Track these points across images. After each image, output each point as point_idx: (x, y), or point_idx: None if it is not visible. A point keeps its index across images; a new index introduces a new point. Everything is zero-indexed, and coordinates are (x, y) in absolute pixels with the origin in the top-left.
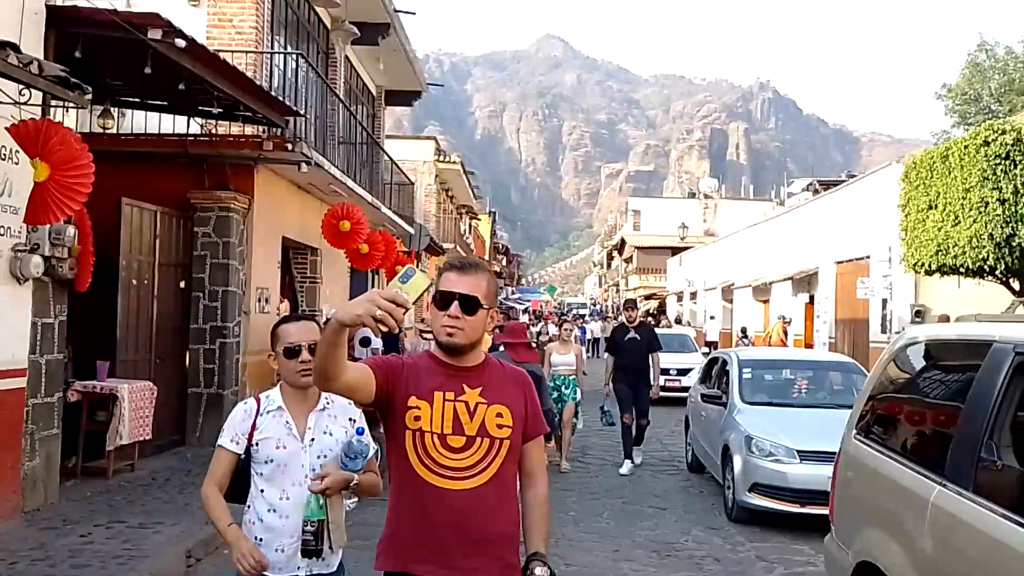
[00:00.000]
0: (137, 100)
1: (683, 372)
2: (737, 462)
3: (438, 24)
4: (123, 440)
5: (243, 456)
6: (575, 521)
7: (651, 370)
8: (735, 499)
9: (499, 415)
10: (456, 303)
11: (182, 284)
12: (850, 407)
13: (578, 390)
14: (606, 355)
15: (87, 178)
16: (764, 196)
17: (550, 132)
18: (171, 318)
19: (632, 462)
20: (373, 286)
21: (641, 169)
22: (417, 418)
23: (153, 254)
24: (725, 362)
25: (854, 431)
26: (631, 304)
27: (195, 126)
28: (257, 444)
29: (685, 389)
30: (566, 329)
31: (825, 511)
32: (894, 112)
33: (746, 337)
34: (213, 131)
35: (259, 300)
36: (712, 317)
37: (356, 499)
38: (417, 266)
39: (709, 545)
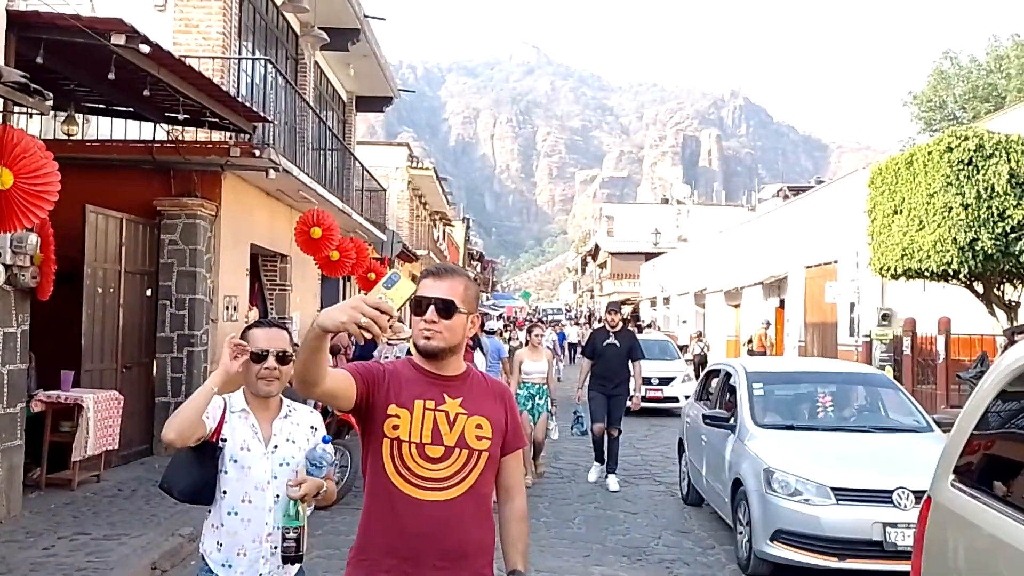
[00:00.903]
0: (102, 106)
1: (665, 381)
2: (754, 502)
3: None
4: (88, 451)
5: (211, 437)
6: (547, 526)
7: (632, 380)
8: (752, 549)
9: (479, 426)
10: (432, 307)
11: (149, 292)
12: (891, 430)
13: (551, 399)
14: (582, 359)
15: (53, 186)
16: (736, 202)
17: (524, 138)
18: (137, 327)
19: (604, 474)
20: (344, 293)
21: (615, 175)
22: (396, 427)
23: (119, 262)
24: (729, 375)
25: (951, 477)
26: (614, 307)
27: (162, 132)
28: (224, 440)
29: (668, 399)
30: (536, 335)
31: (870, 566)
32: (862, 119)
33: (700, 340)
34: (180, 137)
35: (227, 308)
36: (684, 321)
37: (312, 507)
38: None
39: (679, 549)
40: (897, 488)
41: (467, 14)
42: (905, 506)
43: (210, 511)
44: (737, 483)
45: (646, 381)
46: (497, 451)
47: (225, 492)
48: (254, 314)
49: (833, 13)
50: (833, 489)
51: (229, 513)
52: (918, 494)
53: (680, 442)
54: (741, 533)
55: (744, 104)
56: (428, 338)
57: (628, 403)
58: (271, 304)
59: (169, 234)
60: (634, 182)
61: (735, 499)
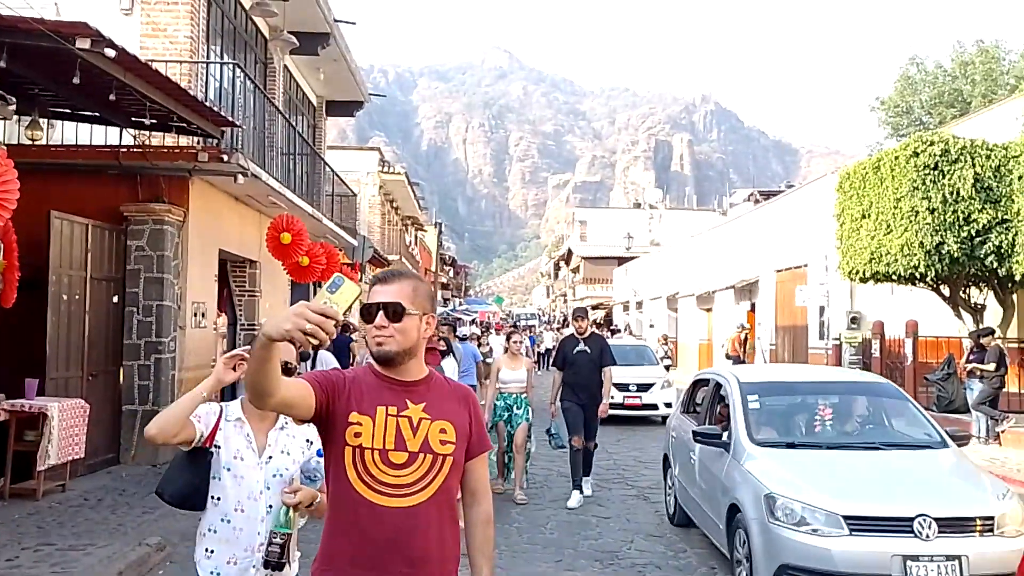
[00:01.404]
0: (67, 111)
1: (644, 387)
2: (754, 533)
3: (382, 34)
4: (53, 460)
5: (205, 443)
6: (519, 532)
7: (603, 387)
8: None
9: (443, 431)
10: (381, 312)
11: (115, 299)
12: (902, 446)
13: (530, 409)
14: (553, 369)
15: (11, 192)
16: (708, 206)
17: (496, 143)
18: (104, 334)
19: (581, 493)
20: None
21: (588, 180)
22: (358, 434)
23: (84, 268)
24: (719, 386)
25: None
26: (581, 313)
27: (128, 137)
28: (218, 446)
29: (647, 406)
30: (515, 341)
31: None
32: (832, 124)
33: (666, 344)
34: (147, 142)
35: (195, 315)
36: (652, 325)
37: (305, 518)
38: (361, 279)
39: (651, 553)
40: (918, 516)
41: (439, 18)
42: (927, 536)
43: (200, 517)
44: (734, 509)
45: (623, 388)
46: (462, 455)
47: (218, 499)
48: (223, 321)
49: (802, 20)
50: (846, 518)
51: (222, 520)
52: (941, 522)
53: (665, 458)
54: (739, 567)
55: (715, 109)
56: (380, 344)
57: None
58: (240, 310)
59: (136, 240)
60: (607, 187)
61: (731, 527)
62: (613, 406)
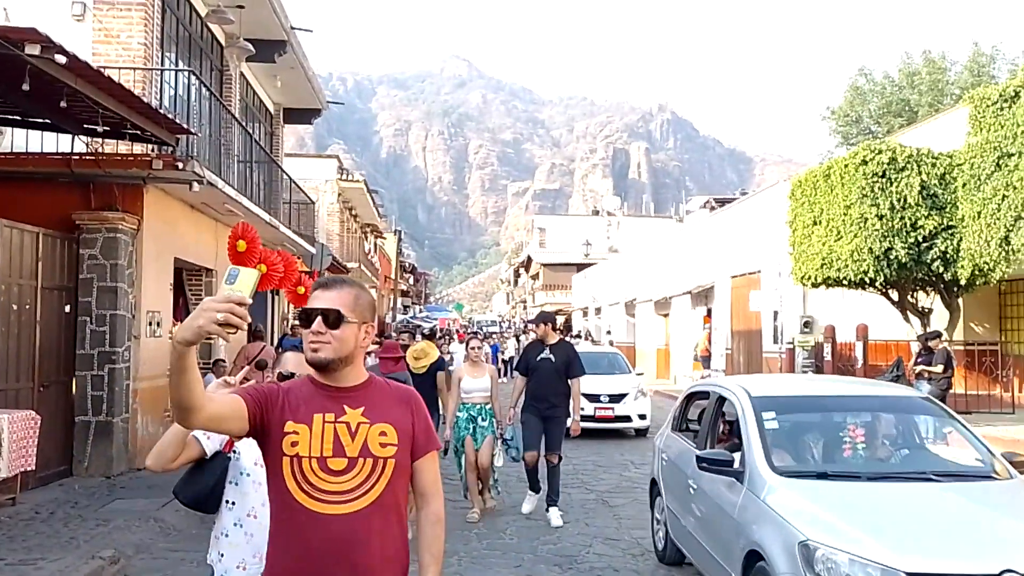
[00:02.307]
0: (17, 117)
1: (616, 398)
2: None
3: (340, 42)
4: (3, 473)
5: (224, 449)
6: (479, 538)
7: (571, 400)
8: None
9: (383, 434)
10: (319, 318)
11: (67, 308)
12: (955, 476)
13: (496, 421)
14: (516, 375)
15: None
16: (664, 213)
17: (456, 151)
18: (55, 344)
19: (537, 493)
20: (273, 307)
21: (547, 187)
22: (294, 443)
23: (35, 278)
24: (722, 400)
25: None
26: (545, 318)
27: (80, 144)
28: (237, 452)
29: (621, 418)
30: (474, 347)
31: None
32: (785, 133)
33: (611, 345)
34: (99, 149)
35: (150, 324)
36: (608, 332)
37: None
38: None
39: (610, 556)
40: (1003, 572)
41: (397, 27)
42: None
43: (215, 520)
44: (753, 556)
45: (593, 399)
46: (406, 457)
47: (233, 503)
48: (178, 329)
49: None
50: (908, 575)
51: (235, 524)
52: None
53: (653, 483)
54: None
55: (671, 118)
56: (316, 350)
57: (568, 424)
58: None
59: (89, 249)
60: (565, 194)
61: None
62: (583, 419)
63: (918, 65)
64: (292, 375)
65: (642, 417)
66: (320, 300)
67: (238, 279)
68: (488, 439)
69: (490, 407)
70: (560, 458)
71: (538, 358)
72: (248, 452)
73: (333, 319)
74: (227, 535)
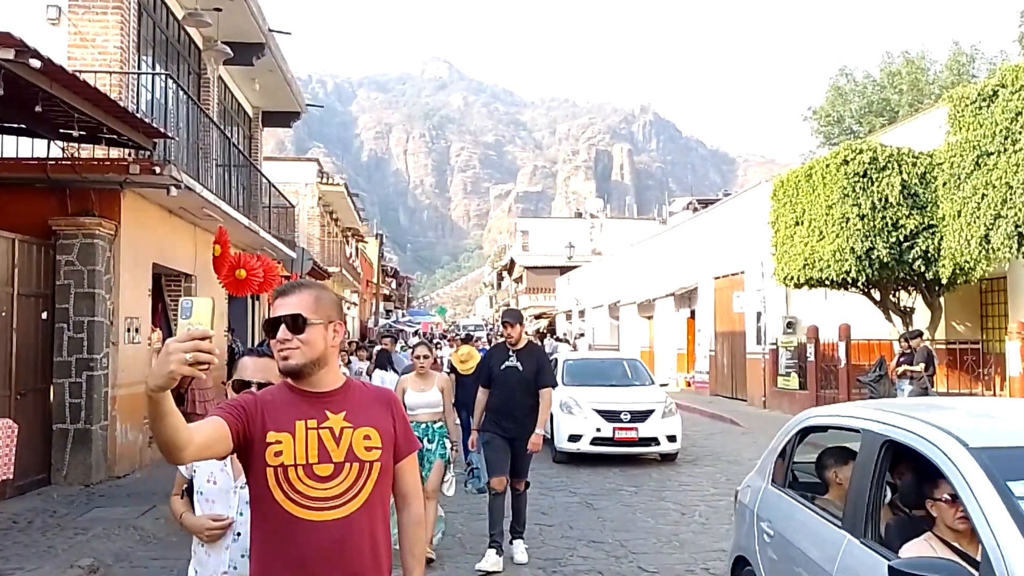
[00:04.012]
0: None
1: (640, 416)
2: None
3: (320, 44)
4: None
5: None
6: (461, 543)
7: (539, 414)
8: None
9: (367, 437)
10: (282, 326)
11: (44, 315)
12: None
13: (447, 442)
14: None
15: None
16: (648, 215)
17: (438, 153)
18: (32, 351)
19: (499, 554)
20: (254, 312)
21: (529, 190)
22: (278, 453)
23: (11, 284)
24: (897, 450)
25: None
26: (512, 317)
27: (56, 149)
28: (195, 469)
29: (645, 441)
30: (419, 356)
31: None
32: (767, 134)
33: (573, 345)
34: (76, 154)
35: (129, 330)
36: (581, 335)
37: None
38: None
39: (594, 559)
40: None
41: (377, 29)
42: None
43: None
44: None
45: (612, 417)
46: (389, 460)
47: None
48: (157, 336)
49: (738, 32)
50: None
51: (199, 544)
52: None
53: (740, 563)
54: None
55: (654, 119)
56: (285, 358)
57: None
58: (175, 325)
59: (66, 255)
60: (548, 196)
61: None
62: (599, 441)
63: (899, 65)
64: (251, 383)
65: (671, 439)
66: (281, 307)
67: (193, 311)
68: (437, 464)
69: (440, 425)
70: (527, 484)
71: (503, 366)
72: (201, 469)
73: (296, 323)
74: (196, 552)
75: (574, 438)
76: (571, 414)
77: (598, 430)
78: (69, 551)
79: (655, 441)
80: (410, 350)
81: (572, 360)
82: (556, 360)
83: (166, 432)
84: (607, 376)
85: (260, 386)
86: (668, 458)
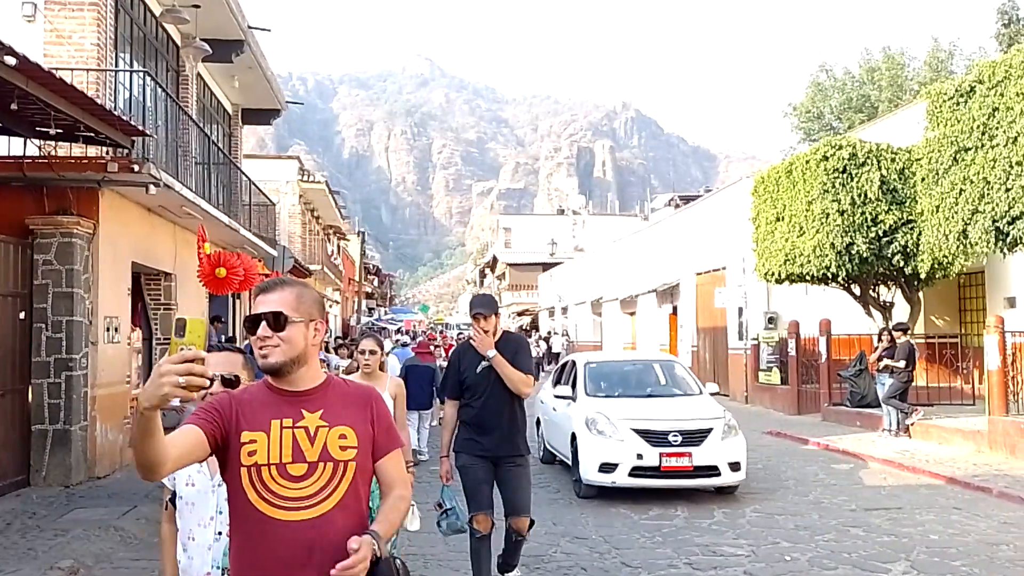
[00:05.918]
0: None
1: (694, 438)
2: None
3: (300, 42)
4: None
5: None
6: (445, 540)
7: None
8: None
9: (342, 436)
10: (263, 323)
11: (22, 315)
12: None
13: (403, 464)
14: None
15: None
16: (630, 211)
17: (419, 151)
18: (10, 352)
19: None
20: (235, 311)
21: (512, 187)
22: (252, 452)
23: None
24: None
25: None
26: (485, 306)
27: (33, 148)
28: (174, 477)
29: (702, 472)
30: (363, 351)
31: None
32: (749, 130)
33: (549, 345)
34: (53, 153)
35: (108, 329)
36: (557, 332)
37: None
38: None
39: (577, 555)
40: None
41: (358, 26)
42: None
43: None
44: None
45: (659, 440)
46: (367, 460)
47: (178, 528)
48: (137, 335)
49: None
50: None
51: (182, 548)
52: None
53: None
54: None
55: (636, 116)
56: (265, 356)
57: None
58: (155, 324)
59: (43, 254)
60: (531, 193)
61: None
62: (641, 472)
63: (878, 61)
64: (223, 377)
65: (735, 468)
66: (263, 304)
67: (187, 331)
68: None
69: None
70: (532, 523)
71: (478, 369)
72: (180, 475)
73: (277, 321)
74: (180, 558)
75: (608, 467)
76: (601, 435)
77: (639, 456)
78: (49, 553)
79: (715, 471)
80: (362, 351)
81: (595, 364)
82: (547, 350)
83: (149, 452)
84: (642, 384)
85: (223, 379)
86: (728, 490)
